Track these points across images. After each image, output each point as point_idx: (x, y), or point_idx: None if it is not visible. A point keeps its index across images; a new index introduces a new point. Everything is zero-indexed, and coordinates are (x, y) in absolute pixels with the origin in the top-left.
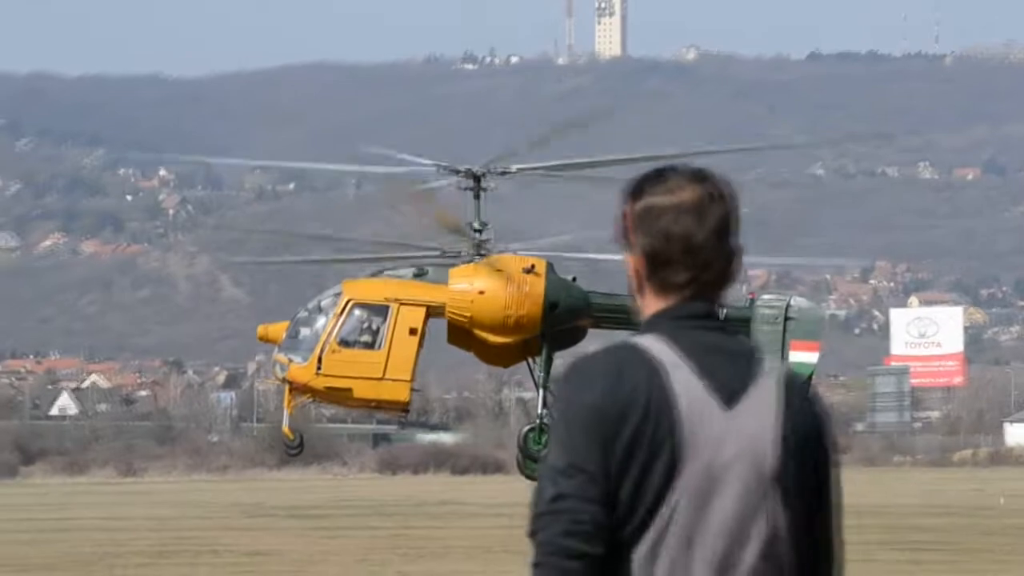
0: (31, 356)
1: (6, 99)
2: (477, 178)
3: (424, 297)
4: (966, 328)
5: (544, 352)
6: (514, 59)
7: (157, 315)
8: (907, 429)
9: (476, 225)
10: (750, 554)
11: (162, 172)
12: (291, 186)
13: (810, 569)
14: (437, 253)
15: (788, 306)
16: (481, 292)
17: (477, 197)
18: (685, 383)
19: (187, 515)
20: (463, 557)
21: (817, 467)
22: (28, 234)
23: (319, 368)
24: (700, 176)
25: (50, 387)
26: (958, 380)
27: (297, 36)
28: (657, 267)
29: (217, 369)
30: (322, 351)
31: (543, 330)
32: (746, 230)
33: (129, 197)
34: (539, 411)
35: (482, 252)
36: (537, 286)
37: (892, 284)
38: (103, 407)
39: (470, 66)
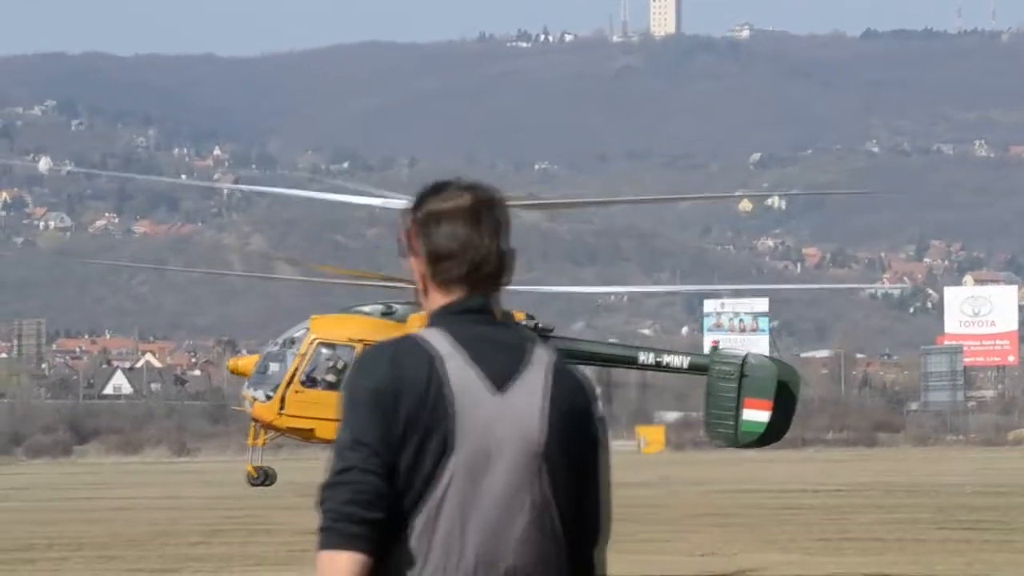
0: (85, 336)
1: (60, 79)
2: None
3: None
4: (1021, 307)
5: None
6: (568, 37)
7: (211, 294)
8: (960, 408)
9: None
10: (520, 522)
11: (216, 151)
12: (345, 165)
13: (577, 537)
14: (406, 286)
15: (744, 362)
16: None
17: None
18: (458, 370)
19: (240, 494)
20: None
21: (583, 446)
22: (81, 214)
23: (282, 408)
24: (474, 186)
25: (104, 366)
26: (1012, 359)
27: (349, 15)
28: (438, 267)
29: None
30: (285, 391)
31: None
32: (801, 208)
33: (183, 176)
34: None
35: None
36: None
37: (946, 263)
38: (156, 386)
39: (524, 44)
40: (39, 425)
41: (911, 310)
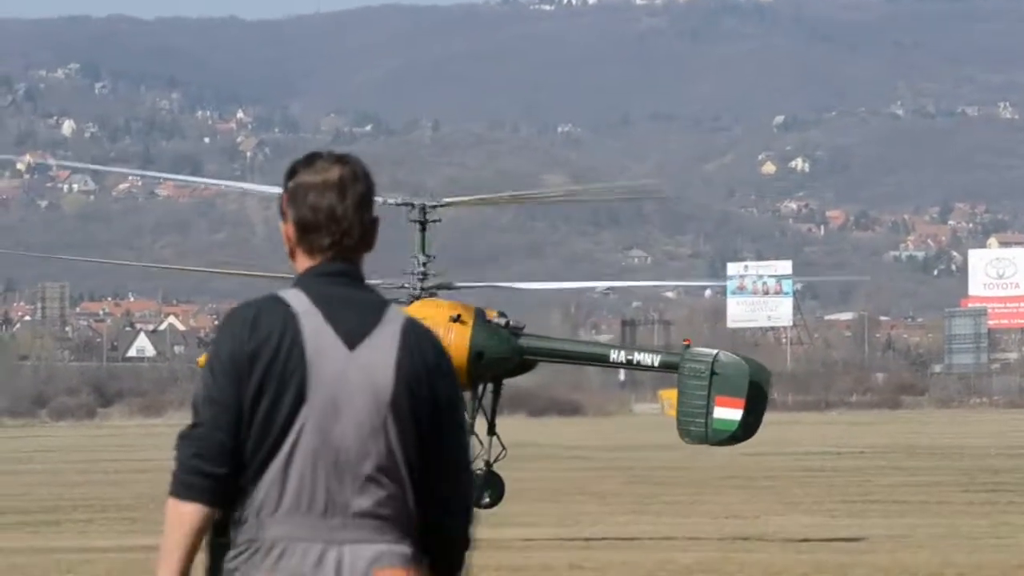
0: (109, 299)
1: (83, 42)
2: (423, 210)
3: None
4: None
5: (483, 396)
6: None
7: (234, 257)
8: (984, 371)
9: (421, 258)
10: (368, 467)
11: (240, 114)
12: (368, 128)
13: (425, 481)
14: (379, 282)
15: (715, 360)
16: None
17: (422, 229)
18: (314, 328)
19: None
20: (538, 499)
21: (432, 401)
22: (105, 177)
23: None
24: (343, 159)
25: (128, 329)
26: None
27: None
28: (305, 233)
29: None
30: None
31: (470, 380)
32: (825, 170)
33: (206, 140)
34: (483, 457)
35: (426, 287)
36: (462, 336)
37: (971, 225)
38: (180, 349)
39: (547, 7)
40: (63, 387)
41: (935, 272)
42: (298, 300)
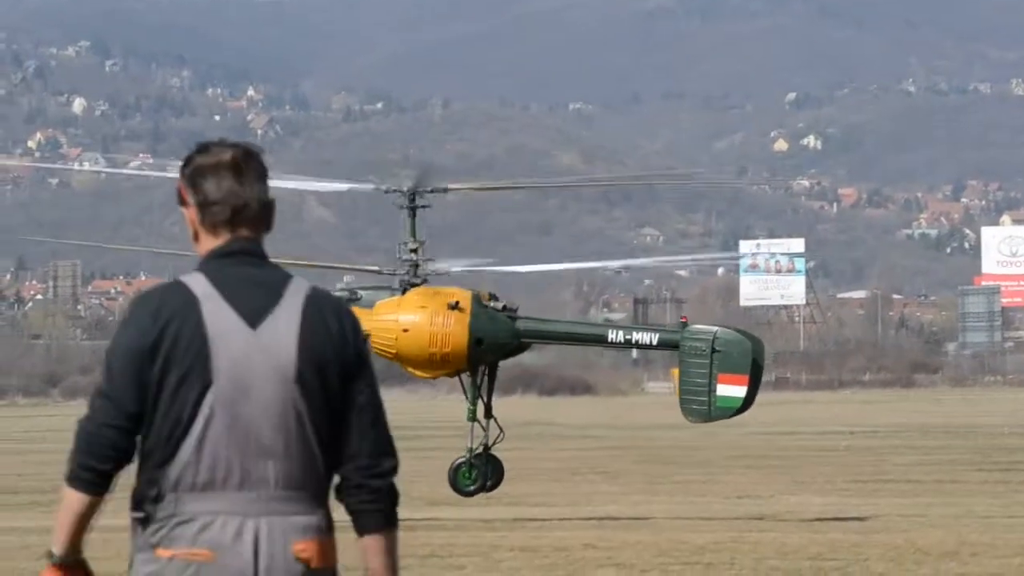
0: (120, 277)
1: (93, 20)
2: (412, 196)
3: None
4: None
5: (481, 380)
6: None
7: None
8: (998, 349)
9: (412, 245)
10: (280, 441)
11: (250, 92)
12: (378, 106)
13: (334, 451)
14: (375, 270)
15: (715, 338)
16: (405, 330)
17: (412, 216)
18: (215, 311)
19: None
20: (550, 479)
21: (340, 370)
22: (115, 155)
23: None
24: (236, 144)
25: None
26: None
27: None
28: (206, 215)
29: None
30: None
31: (470, 365)
32: (837, 148)
33: (217, 117)
34: (469, 444)
35: (418, 273)
36: (462, 322)
37: (984, 203)
38: None
39: None
40: (75, 366)
41: (948, 250)
42: (199, 284)
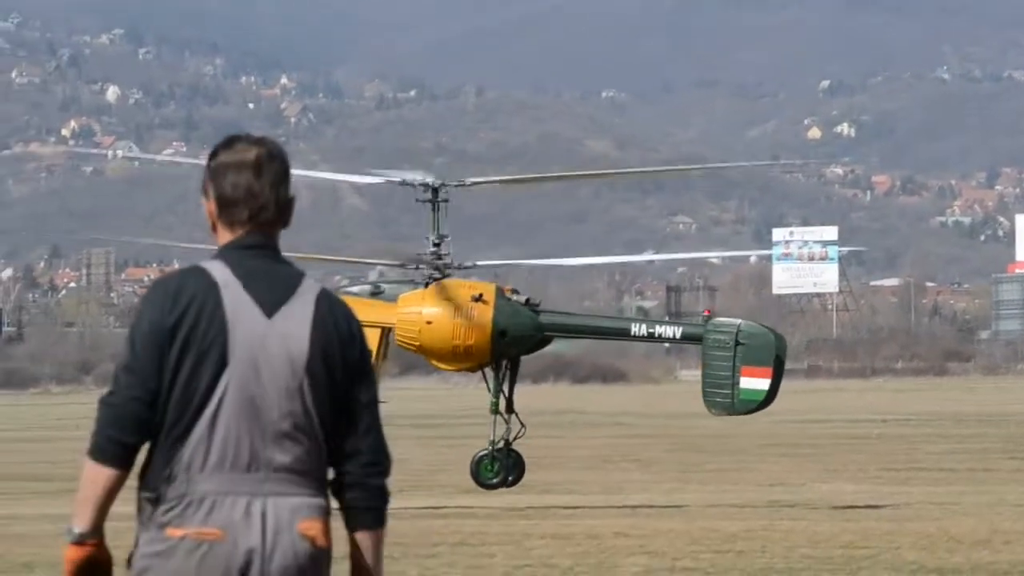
0: (153, 264)
1: (127, 8)
2: (435, 190)
3: (378, 319)
4: None
5: (504, 374)
6: None
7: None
8: None
9: (434, 239)
10: (286, 426)
11: (283, 80)
12: (411, 93)
13: (341, 438)
14: (399, 264)
15: (739, 331)
16: (429, 322)
17: (435, 209)
18: (234, 297)
19: None
20: (582, 467)
21: (344, 367)
22: (148, 143)
23: None
24: (260, 142)
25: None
26: None
27: None
28: (225, 208)
29: (338, 278)
30: None
31: (493, 358)
32: (870, 136)
33: (250, 105)
34: (491, 437)
35: (441, 268)
36: (485, 315)
37: (1018, 190)
38: None
39: None
40: (108, 353)
41: (982, 238)
42: (219, 271)
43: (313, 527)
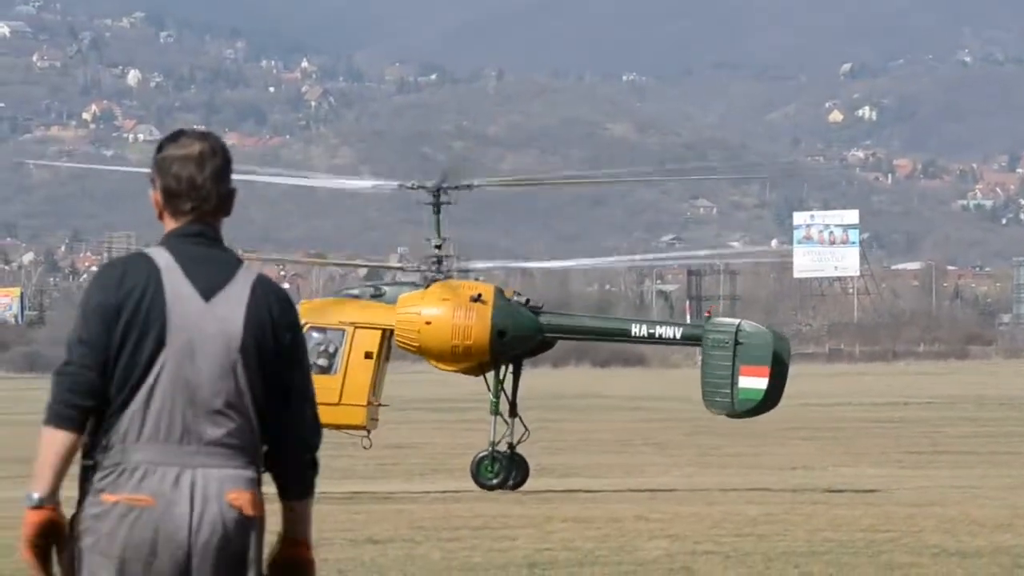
0: None
1: None
2: (435, 193)
3: (379, 320)
4: None
5: (505, 374)
6: None
7: (299, 207)
8: None
9: (436, 241)
10: (219, 403)
11: (304, 64)
12: (432, 77)
13: (269, 415)
14: (399, 267)
15: (738, 330)
16: (428, 323)
17: (436, 212)
18: (175, 281)
19: None
20: (602, 450)
21: (277, 349)
22: (169, 126)
23: None
24: (204, 136)
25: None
26: None
27: None
28: (170, 199)
29: (358, 262)
30: None
31: (492, 358)
32: (892, 119)
33: (271, 89)
34: (491, 438)
35: (442, 270)
36: (484, 315)
37: None
38: None
39: None
40: None
41: (1003, 221)
42: (162, 257)
43: (241, 497)
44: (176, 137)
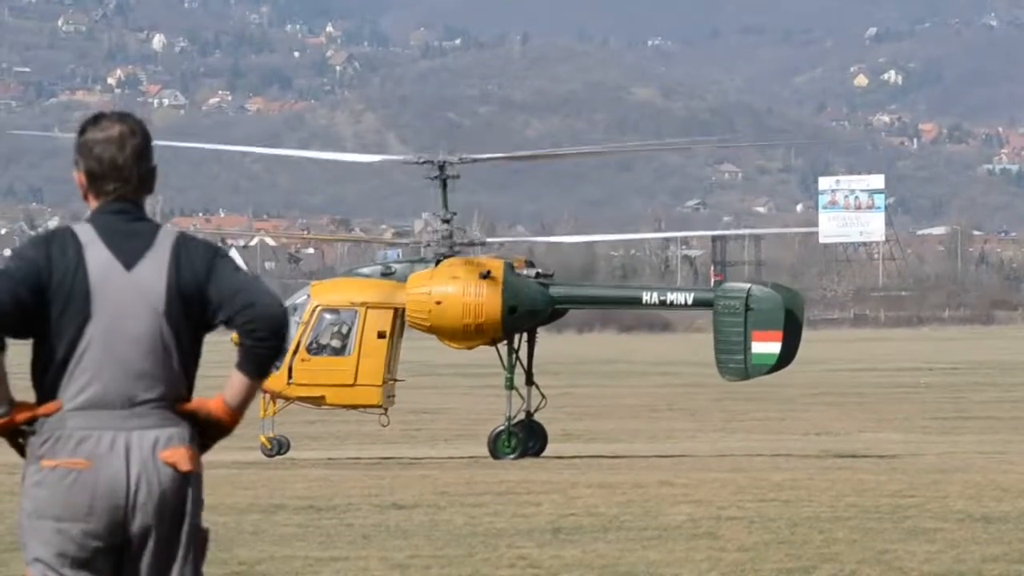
0: (199, 214)
1: None
2: (442, 167)
3: (391, 299)
4: None
5: (520, 344)
6: None
7: (324, 173)
8: None
9: (444, 216)
10: (148, 365)
11: (329, 28)
12: (457, 42)
13: (193, 372)
14: (407, 243)
15: (748, 295)
16: (438, 302)
17: (443, 187)
18: (97, 255)
19: None
20: (628, 416)
21: (203, 304)
22: (194, 92)
23: (290, 378)
24: (123, 118)
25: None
26: None
27: None
28: (93, 180)
29: (384, 227)
30: (292, 360)
31: (505, 334)
32: (918, 83)
33: (296, 54)
34: (507, 413)
35: (452, 245)
36: (494, 292)
37: None
38: (270, 265)
39: None
40: None
41: None
42: (85, 232)
43: (175, 454)
44: (97, 120)
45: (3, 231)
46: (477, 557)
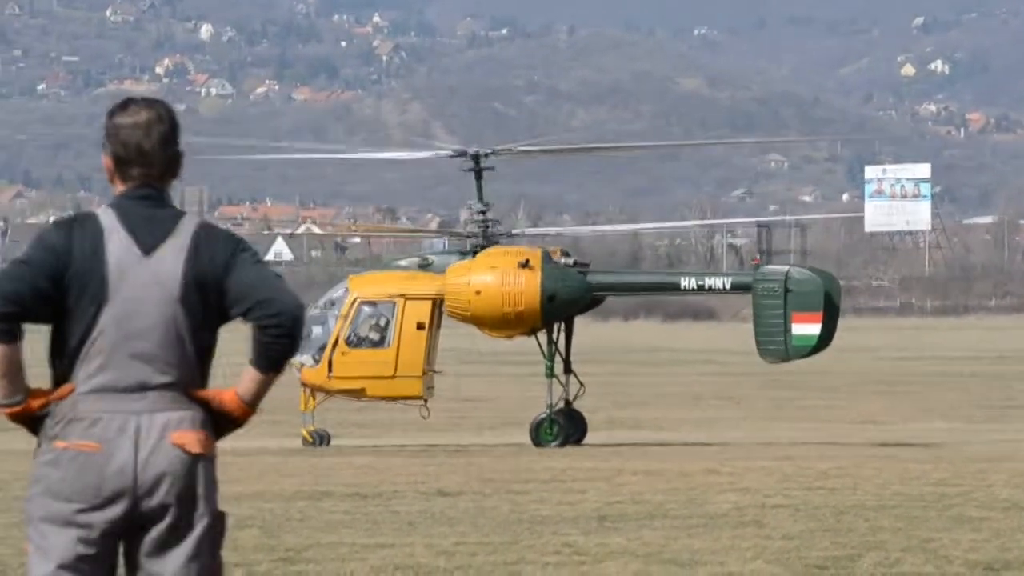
0: (247, 203)
1: None
2: (476, 158)
3: (429, 290)
4: None
5: (558, 335)
6: None
7: (371, 162)
8: None
9: (479, 207)
10: (162, 351)
11: (376, 18)
12: (503, 31)
13: (207, 359)
14: (451, 232)
15: (787, 277)
16: (478, 292)
17: (479, 178)
18: (118, 241)
19: None
20: (672, 404)
21: (220, 293)
22: (241, 81)
23: (330, 371)
24: (151, 104)
25: (265, 233)
26: None
27: None
28: (119, 164)
29: (430, 216)
30: (332, 353)
31: (544, 323)
32: (965, 72)
33: (343, 44)
34: (548, 401)
35: (489, 235)
36: (533, 281)
37: None
38: (317, 253)
39: None
40: None
41: None
42: (107, 217)
43: (184, 436)
44: (126, 105)
45: (52, 219)
46: (522, 544)
